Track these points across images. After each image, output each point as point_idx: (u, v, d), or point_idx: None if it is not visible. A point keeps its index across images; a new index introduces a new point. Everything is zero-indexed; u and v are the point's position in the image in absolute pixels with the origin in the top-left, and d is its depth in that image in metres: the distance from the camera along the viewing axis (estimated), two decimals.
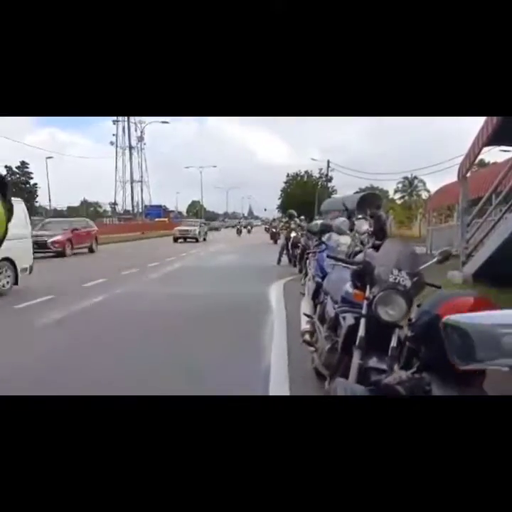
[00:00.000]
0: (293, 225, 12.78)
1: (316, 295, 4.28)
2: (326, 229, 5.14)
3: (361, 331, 2.38)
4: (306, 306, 4.02)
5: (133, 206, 54.07)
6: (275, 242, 20.90)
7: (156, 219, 51.41)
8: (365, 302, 2.41)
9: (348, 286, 2.75)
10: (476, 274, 7.36)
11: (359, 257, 2.65)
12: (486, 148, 8.10)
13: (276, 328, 5.35)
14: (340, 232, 3.11)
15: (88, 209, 61.93)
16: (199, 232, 28.34)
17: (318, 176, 47.88)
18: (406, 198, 49.64)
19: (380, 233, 10.44)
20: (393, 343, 2.31)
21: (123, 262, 13.56)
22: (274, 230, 22.98)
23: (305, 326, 3.69)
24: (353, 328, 2.48)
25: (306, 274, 8.98)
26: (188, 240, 27.23)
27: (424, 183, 48.62)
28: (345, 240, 4.55)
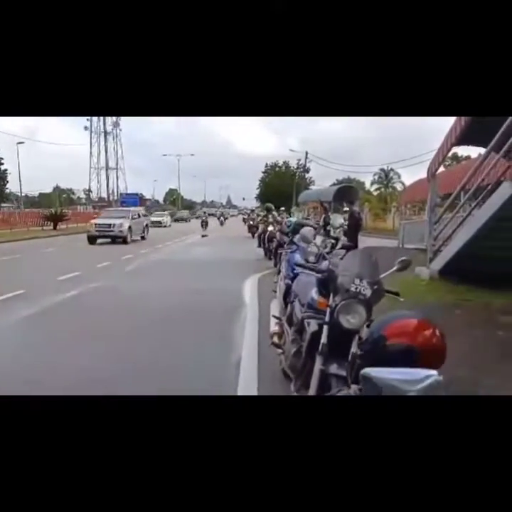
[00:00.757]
0: (271, 219, 12.86)
1: (286, 296, 4.40)
2: (298, 228, 5.24)
3: (324, 338, 2.50)
4: (275, 307, 4.15)
5: (108, 194, 53.23)
6: (253, 235, 19.24)
7: (133, 207, 50.77)
8: (328, 310, 2.53)
9: (314, 293, 2.87)
10: (443, 270, 7.61)
11: (324, 265, 2.77)
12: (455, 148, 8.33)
13: (247, 327, 5.44)
14: (306, 241, 3.23)
15: (61, 196, 60.58)
16: (130, 228, 19.03)
17: (296, 166, 48.07)
18: (382, 190, 50.28)
19: (354, 229, 10.56)
20: (353, 349, 2.45)
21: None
22: (251, 223, 21.86)
23: (274, 327, 3.81)
24: (317, 335, 2.60)
25: (279, 271, 9.11)
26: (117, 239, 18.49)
27: (399, 176, 49.41)
28: (309, 235, 4.68)
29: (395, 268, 2.78)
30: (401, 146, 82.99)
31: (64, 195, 63.52)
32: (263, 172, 52.88)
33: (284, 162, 50.84)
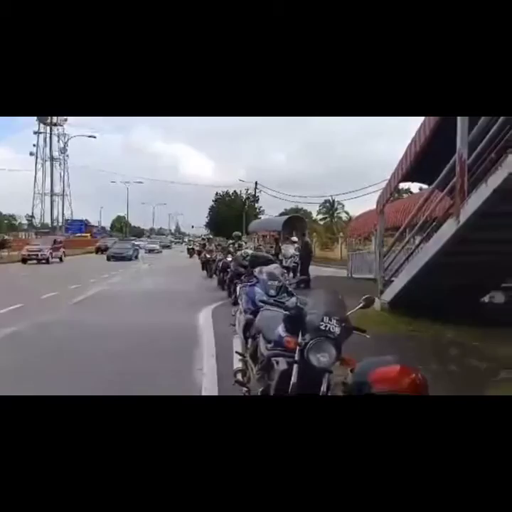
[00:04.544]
0: (231, 248, 12.36)
1: (246, 329, 4.34)
2: (256, 261, 5.25)
3: (294, 378, 2.47)
4: (238, 343, 4.09)
5: (52, 220, 51.19)
6: (211, 275, 15.00)
7: (78, 234, 49.12)
8: (298, 348, 2.52)
9: (281, 330, 2.85)
10: (393, 301, 7.88)
11: (291, 302, 2.76)
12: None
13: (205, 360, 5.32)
14: (274, 278, 3.23)
15: (1, 221, 57.57)
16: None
17: (245, 196, 48.78)
18: (328, 219, 51.84)
19: (307, 258, 10.76)
20: (323, 388, 2.44)
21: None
22: (207, 256, 16.36)
23: (237, 364, 3.74)
24: (286, 373, 2.57)
25: (235, 302, 8.99)
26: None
27: (343, 206, 51.20)
28: (277, 273, 4.70)
29: (360, 305, 2.82)
30: (344, 180, 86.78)
31: (5, 221, 60.37)
32: (214, 200, 53.29)
33: (234, 191, 51.59)
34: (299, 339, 2.52)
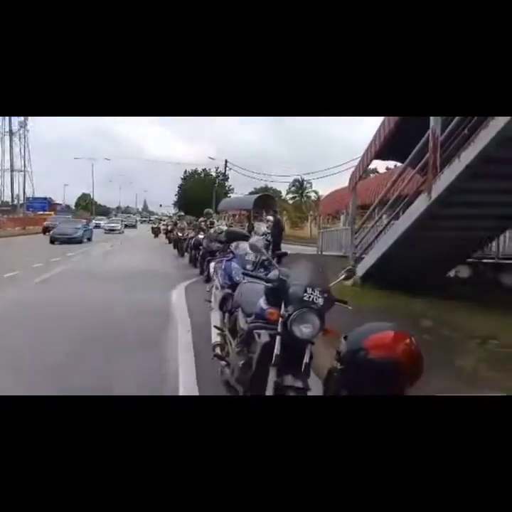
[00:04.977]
0: (203, 225, 12.04)
1: (223, 304, 4.32)
2: (233, 237, 5.20)
3: (277, 349, 2.45)
4: (215, 317, 4.04)
5: (13, 197, 49.21)
6: (183, 254, 14.28)
7: (40, 212, 47.42)
8: (281, 320, 2.50)
9: (262, 303, 2.83)
10: (364, 277, 8.03)
11: (273, 274, 2.73)
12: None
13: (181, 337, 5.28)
14: (257, 251, 3.19)
15: None
16: None
17: (215, 174, 48.15)
18: (297, 198, 52.02)
19: (278, 236, 10.78)
20: (306, 359, 2.45)
21: None
22: (179, 235, 15.43)
23: (216, 338, 3.71)
24: (269, 346, 2.55)
25: (208, 279, 8.91)
26: None
27: (311, 185, 51.44)
28: (260, 245, 4.66)
29: (342, 277, 2.84)
30: (312, 160, 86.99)
31: None
32: (182, 178, 52.30)
33: (204, 169, 50.79)
34: (282, 311, 2.51)
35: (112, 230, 35.58)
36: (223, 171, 43.71)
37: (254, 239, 3.38)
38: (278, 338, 2.49)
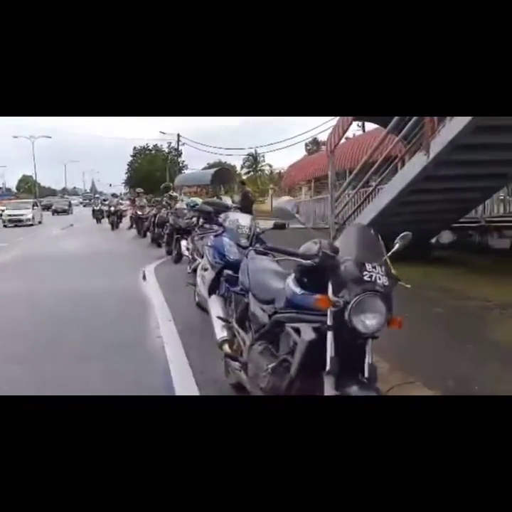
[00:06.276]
0: (165, 202, 11.05)
1: (215, 287, 3.61)
2: (219, 209, 4.47)
3: (330, 350, 1.81)
4: (216, 305, 3.27)
5: None
6: (144, 234, 12.93)
7: None
8: (331, 309, 1.84)
9: (292, 285, 2.12)
10: None
11: (307, 247, 2.02)
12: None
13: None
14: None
15: None
16: None
17: (167, 150, 46.11)
18: (251, 173, 51.20)
19: (249, 210, 10.16)
20: (368, 359, 1.82)
21: None
22: (139, 213, 13.77)
23: (221, 333, 2.95)
24: (314, 344, 1.90)
25: (178, 259, 8.06)
26: None
27: (264, 158, 50.83)
28: (245, 221, 3.96)
29: (397, 245, 2.17)
30: (263, 132, 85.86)
31: None
32: (132, 156, 49.77)
33: (155, 145, 48.49)
34: (331, 297, 1.84)
35: (16, 223, 22.14)
36: (175, 147, 41.91)
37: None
38: (329, 334, 1.83)
